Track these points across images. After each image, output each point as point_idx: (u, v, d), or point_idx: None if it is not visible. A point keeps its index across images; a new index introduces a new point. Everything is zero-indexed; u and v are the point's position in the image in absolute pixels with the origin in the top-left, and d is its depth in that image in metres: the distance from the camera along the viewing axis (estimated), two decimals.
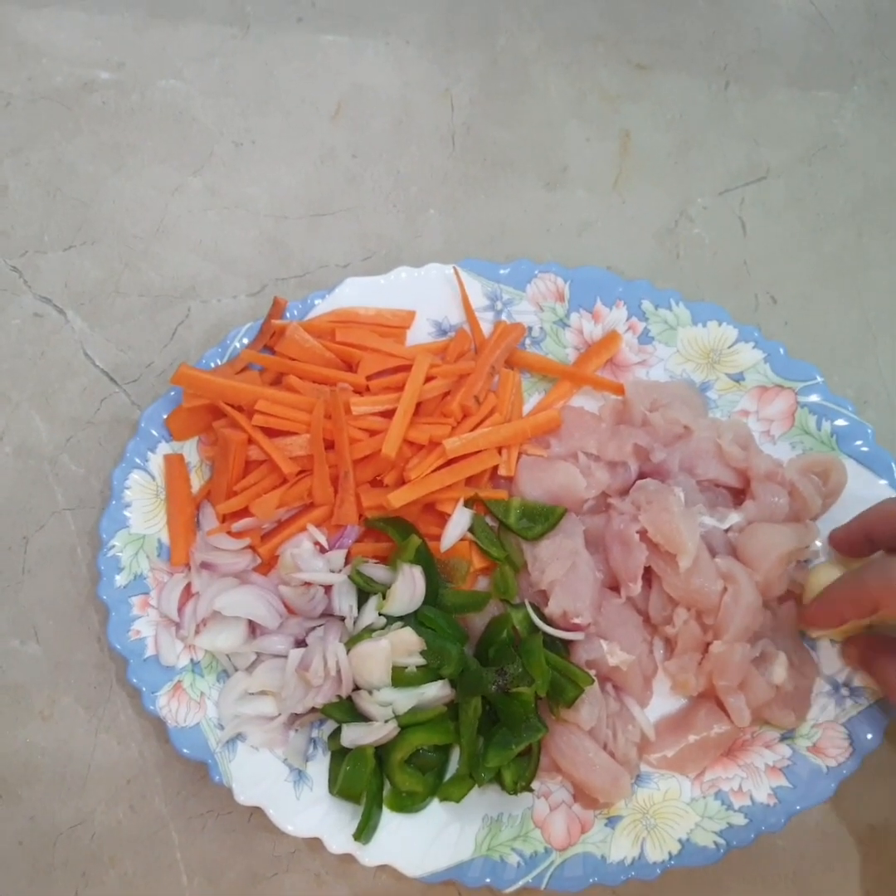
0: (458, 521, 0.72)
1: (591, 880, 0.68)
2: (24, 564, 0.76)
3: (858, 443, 0.74)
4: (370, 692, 0.68)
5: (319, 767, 0.71)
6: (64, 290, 0.81)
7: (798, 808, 0.69)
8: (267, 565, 0.73)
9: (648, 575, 0.72)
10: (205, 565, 0.72)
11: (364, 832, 0.67)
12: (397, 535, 0.71)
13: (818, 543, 0.74)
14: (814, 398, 0.75)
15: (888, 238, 0.84)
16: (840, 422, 0.75)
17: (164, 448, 0.74)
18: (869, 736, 0.70)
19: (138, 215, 0.82)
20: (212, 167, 0.84)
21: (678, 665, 0.71)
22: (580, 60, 0.87)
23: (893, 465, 0.74)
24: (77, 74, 0.85)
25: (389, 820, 0.69)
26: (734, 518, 0.72)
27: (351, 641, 0.69)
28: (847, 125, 0.86)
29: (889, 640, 0.68)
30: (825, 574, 0.70)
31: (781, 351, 0.76)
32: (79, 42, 0.86)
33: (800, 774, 0.70)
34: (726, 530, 0.72)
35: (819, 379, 0.75)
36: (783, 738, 0.72)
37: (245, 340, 0.75)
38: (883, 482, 0.74)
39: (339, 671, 0.68)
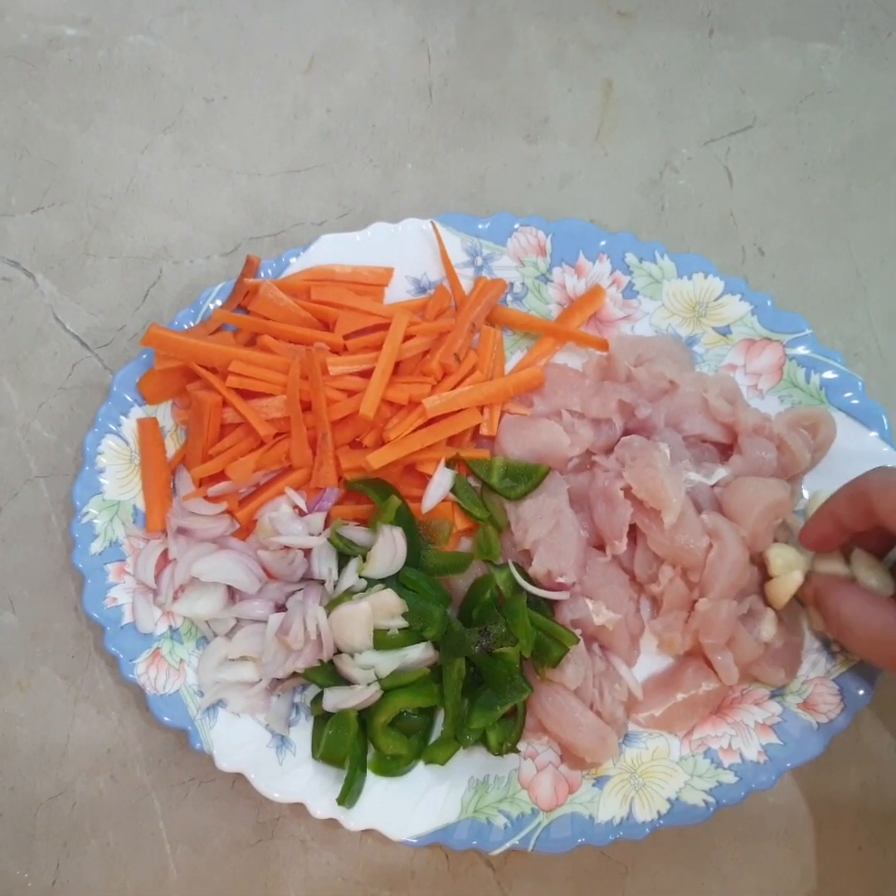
0: (440, 482, 0.71)
1: (578, 841, 0.67)
2: None
3: (848, 395, 0.73)
4: (352, 655, 0.67)
5: (302, 733, 0.70)
6: (32, 253, 0.79)
7: (789, 765, 0.68)
8: (245, 530, 0.72)
9: (634, 533, 0.70)
10: (181, 531, 0.71)
11: (348, 796, 0.66)
12: (377, 496, 0.70)
13: (805, 495, 0.73)
14: (802, 350, 0.74)
15: (878, 187, 0.82)
16: (829, 374, 0.73)
17: (138, 412, 0.73)
18: (860, 692, 0.69)
19: (107, 175, 0.80)
20: (182, 124, 0.81)
21: (664, 623, 0.70)
22: (560, 9, 0.84)
23: (884, 418, 0.72)
24: (42, 31, 0.83)
25: (374, 784, 0.69)
26: (721, 473, 0.71)
27: (331, 605, 0.67)
28: (835, 72, 0.84)
29: (843, 579, 0.67)
30: (784, 552, 0.69)
31: (769, 303, 0.74)
32: None
33: (790, 731, 0.69)
34: (713, 486, 0.71)
35: (807, 331, 0.74)
36: (773, 695, 0.71)
37: (218, 301, 0.74)
38: (873, 434, 0.72)
39: (319, 635, 0.67)
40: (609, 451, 0.73)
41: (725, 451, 0.74)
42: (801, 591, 0.69)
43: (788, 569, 0.68)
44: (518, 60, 0.83)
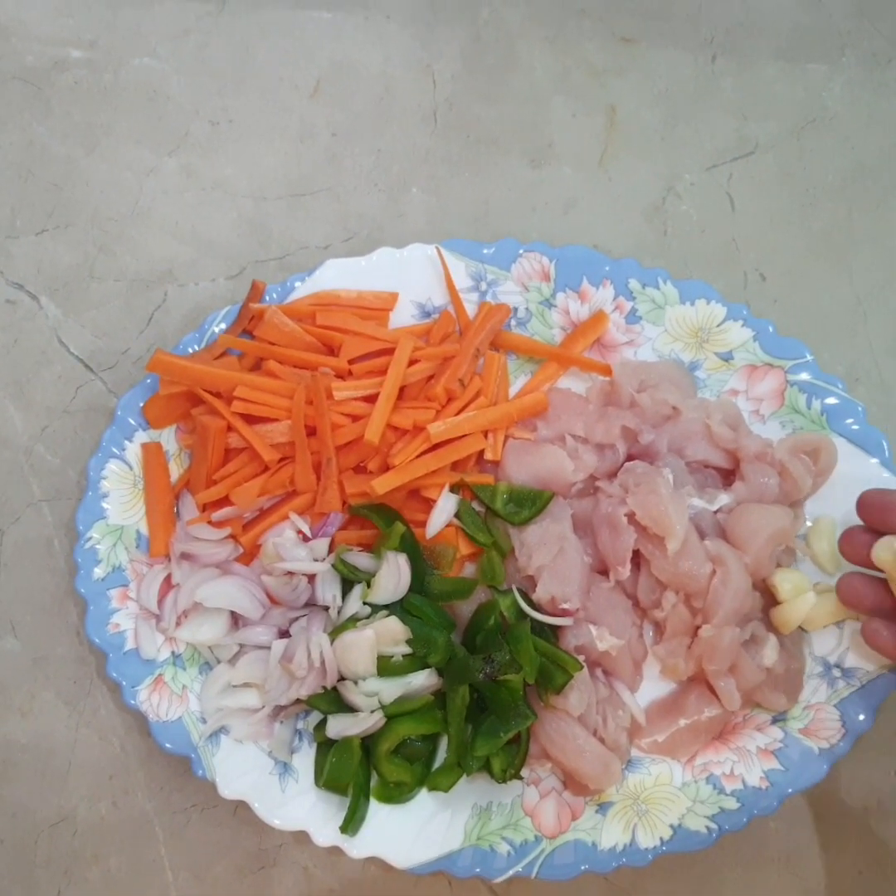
0: (444, 507, 0.71)
1: (582, 868, 0.67)
2: (1, 558, 0.75)
3: (849, 421, 0.73)
4: (355, 682, 0.67)
5: (305, 760, 0.70)
6: (37, 275, 0.79)
7: (790, 790, 0.69)
8: (249, 555, 0.72)
9: (637, 558, 0.71)
10: (185, 556, 0.71)
11: (351, 824, 0.66)
12: (382, 522, 0.70)
13: (808, 523, 0.73)
14: (804, 376, 0.74)
15: (878, 213, 0.82)
16: (830, 400, 0.74)
17: (142, 437, 0.73)
18: (861, 717, 0.69)
19: (113, 198, 0.80)
20: (188, 147, 0.82)
21: (667, 649, 0.70)
22: (565, 34, 0.85)
23: (884, 444, 0.73)
24: (48, 53, 0.83)
25: (377, 811, 0.68)
26: (724, 499, 0.71)
27: (335, 631, 0.67)
28: (836, 98, 0.84)
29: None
30: (791, 576, 0.70)
31: (771, 329, 0.74)
32: (49, 20, 0.84)
33: (792, 757, 0.69)
34: (716, 512, 0.71)
35: (809, 357, 0.74)
36: (775, 721, 0.71)
37: (223, 325, 0.74)
38: (874, 460, 0.73)
39: (323, 662, 0.67)
40: (612, 476, 0.73)
41: (728, 476, 0.74)
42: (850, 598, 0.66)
43: (797, 593, 0.68)
44: (522, 85, 0.84)
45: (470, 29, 0.85)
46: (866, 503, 0.65)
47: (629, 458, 0.73)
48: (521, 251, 0.76)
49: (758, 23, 0.86)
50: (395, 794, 0.68)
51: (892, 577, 0.63)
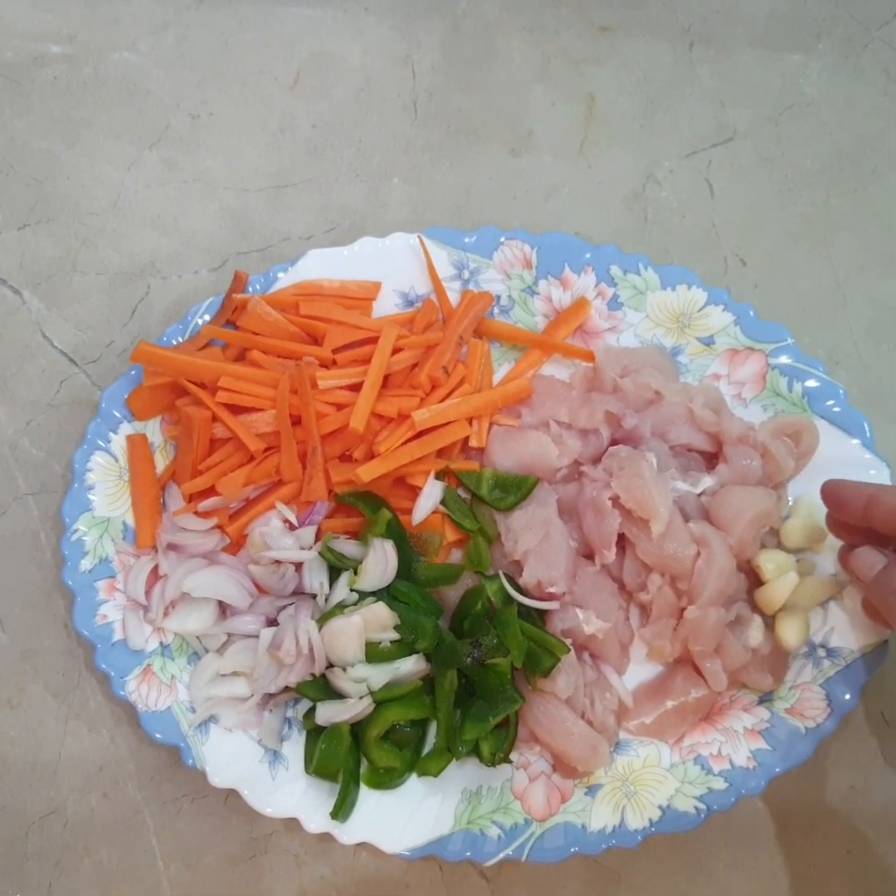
0: (430, 494, 0.71)
1: (572, 850, 0.68)
2: None
3: (830, 403, 0.74)
4: (344, 669, 0.67)
5: (294, 747, 0.70)
6: (19, 270, 0.79)
7: (778, 770, 0.69)
8: (236, 545, 0.72)
9: (622, 542, 0.71)
10: (172, 547, 0.71)
11: (341, 810, 0.67)
12: (368, 509, 0.70)
13: (789, 501, 0.73)
14: (784, 360, 0.75)
15: (856, 197, 0.83)
16: (811, 383, 0.74)
17: (127, 428, 0.73)
18: (847, 696, 0.70)
19: (94, 191, 0.80)
20: (168, 140, 0.82)
21: (653, 631, 0.71)
22: (543, 24, 0.85)
23: (865, 425, 0.73)
24: (27, 48, 0.83)
25: (367, 797, 0.69)
26: (707, 482, 0.72)
27: (323, 618, 0.68)
28: (813, 84, 0.85)
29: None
30: (775, 557, 0.70)
31: (751, 313, 0.75)
32: (28, 15, 0.84)
33: (779, 737, 0.70)
34: (699, 494, 0.72)
35: (789, 340, 0.75)
36: (761, 701, 0.71)
37: (207, 316, 0.74)
38: (855, 442, 0.73)
39: (311, 649, 0.67)
40: (597, 461, 0.73)
41: (711, 459, 0.75)
42: (857, 568, 0.64)
43: (781, 572, 0.69)
44: (502, 75, 0.84)
45: (448, 20, 0.85)
46: (826, 495, 0.66)
47: (613, 442, 0.74)
48: (502, 239, 0.76)
49: (734, 10, 0.86)
50: (385, 779, 0.69)
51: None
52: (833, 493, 0.65)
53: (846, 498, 0.64)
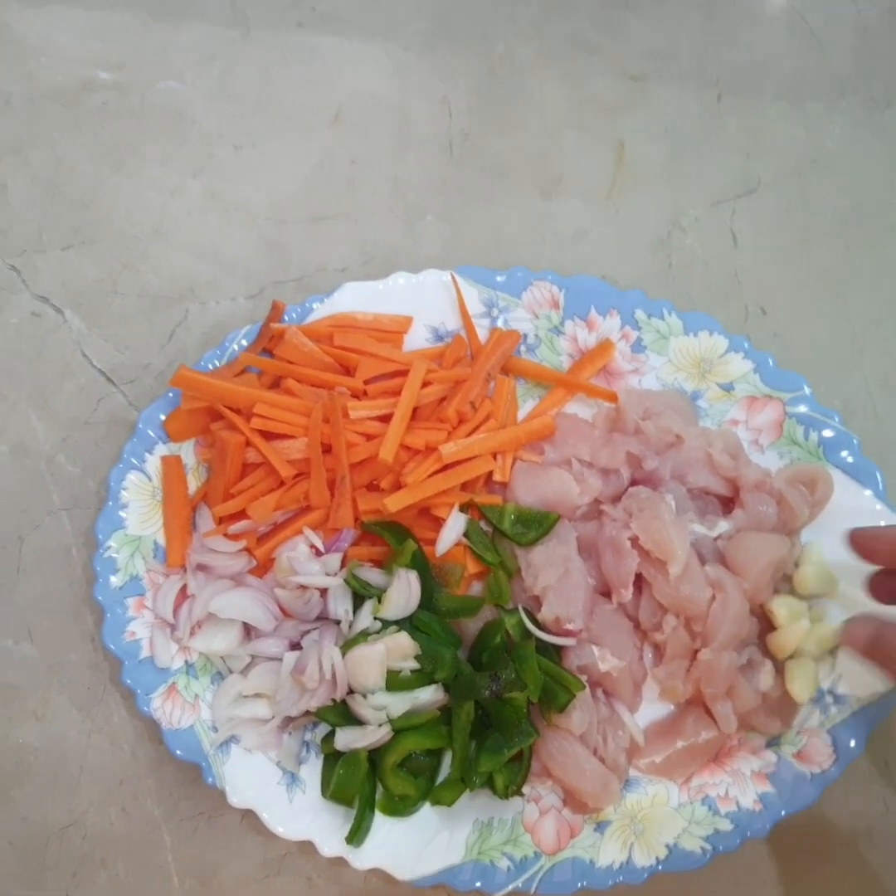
0: (454, 526, 0.73)
1: (579, 884, 0.69)
2: (20, 564, 0.76)
3: (844, 453, 0.76)
4: (364, 696, 0.69)
5: (312, 770, 0.71)
6: (62, 289, 0.81)
7: (783, 813, 0.70)
8: (263, 568, 0.74)
9: (639, 581, 0.73)
10: (201, 567, 0.72)
11: (357, 835, 0.68)
12: (393, 539, 0.72)
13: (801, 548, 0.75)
14: (802, 409, 0.76)
15: (875, 252, 0.85)
16: (827, 432, 0.76)
17: (162, 449, 0.74)
18: (852, 743, 0.71)
19: (137, 216, 0.83)
20: (211, 169, 0.84)
21: (667, 672, 0.72)
22: (576, 71, 0.88)
23: (878, 476, 0.75)
24: (77, 74, 0.85)
25: (381, 823, 0.70)
26: (723, 526, 0.74)
27: (346, 645, 0.69)
28: (836, 140, 0.88)
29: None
30: (788, 603, 0.72)
31: (770, 361, 0.77)
32: (79, 42, 0.86)
33: (785, 780, 0.71)
34: (716, 538, 0.74)
35: (807, 390, 0.77)
36: (769, 745, 0.73)
37: (244, 342, 0.76)
38: (868, 492, 0.75)
39: (334, 674, 0.68)
40: (616, 500, 0.75)
41: (727, 504, 0.76)
42: (850, 638, 0.68)
43: (794, 619, 0.71)
44: (535, 119, 0.87)
45: (485, 63, 0.87)
46: (856, 543, 0.67)
47: (633, 483, 0.76)
48: (531, 280, 0.78)
49: (762, 65, 0.89)
50: (400, 807, 0.70)
51: None
52: (862, 540, 0.66)
53: (877, 545, 0.65)
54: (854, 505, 0.75)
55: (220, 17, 0.87)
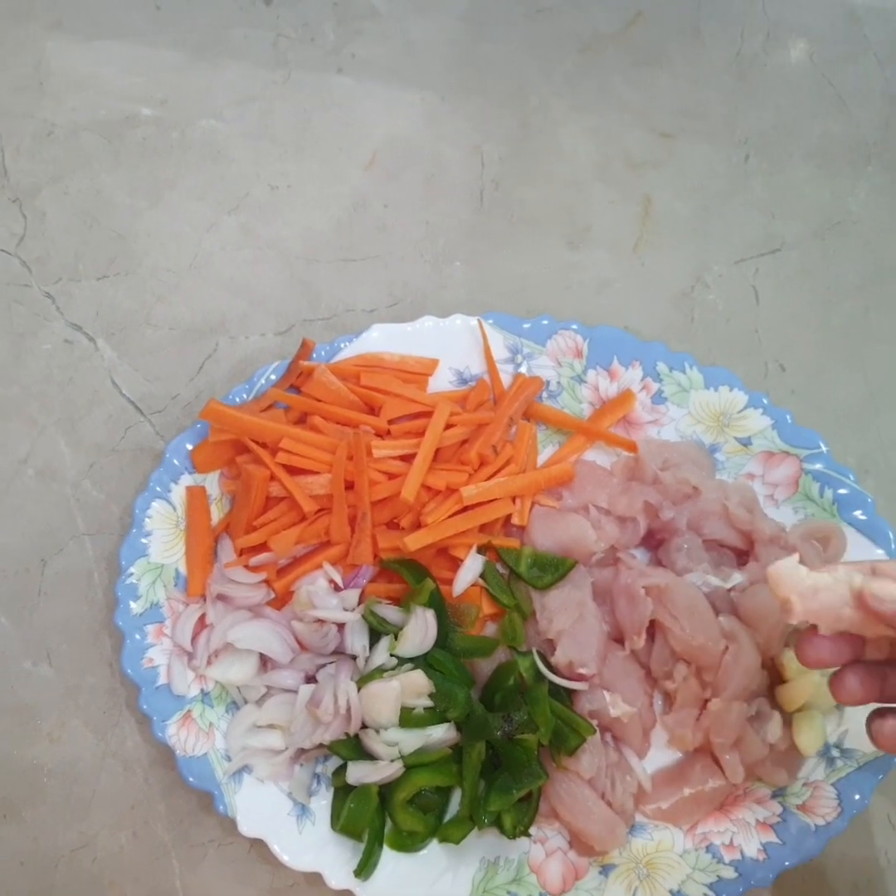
0: (471, 567, 0.74)
1: None
2: (41, 587, 0.77)
3: (858, 512, 0.77)
4: (378, 731, 0.70)
5: (322, 803, 0.72)
6: (95, 318, 0.83)
7: (787, 864, 0.71)
8: (281, 600, 0.75)
9: (652, 629, 0.74)
10: (220, 597, 0.74)
11: (365, 869, 0.69)
12: (411, 577, 0.73)
13: None
14: (818, 466, 0.78)
15: (893, 313, 0.87)
16: (842, 490, 0.77)
17: (187, 479, 0.76)
18: (857, 797, 0.72)
19: (172, 250, 0.85)
20: (247, 207, 0.86)
21: (676, 720, 0.73)
22: (607, 126, 0.90)
23: (890, 535, 0.76)
24: (120, 108, 0.88)
25: (388, 858, 0.71)
26: (737, 578, 0.75)
27: (362, 680, 0.70)
28: (860, 203, 0.90)
29: None
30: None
31: (788, 418, 0.78)
32: (124, 77, 0.89)
33: (789, 831, 0.72)
34: (729, 590, 0.75)
35: (823, 447, 0.78)
36: (774, 796, 0.73)
37: (272, 378, 0.77)
38: (880, 551, 0.76)
39: (348, 709, 0.69)
40: (632, 547, 0.76)
41: (742, 556, 0.77)
42: (883, 739, 0.57)
43: (803, 673, 0.72)
44: (565, 171, 0.89)
45: (519, 115, 0.90)
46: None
47: (649, 532, 0.77)
48: (557, 328, 0.80)
49: (790, 127, 0.91)
50: (408, 842, 0.71)
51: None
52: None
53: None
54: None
55: (261, 59, 0.90)
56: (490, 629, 0.76)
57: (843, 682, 0.57)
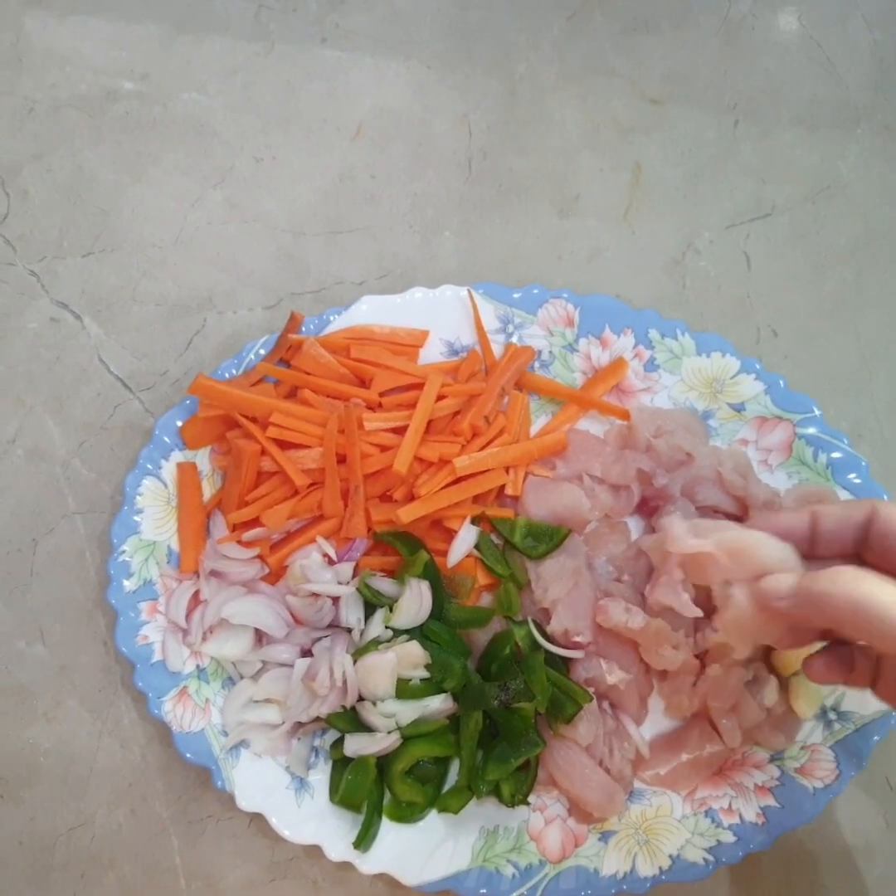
0: (465, 538, 0.74)
1: (583, 893, 0.70)
2: (33, 567, 0.77)
3: (852, 475, 0.77)
4: (374, 703, 0.70)
5: (320, 776, 0.72)
6: (81, 296, 0.82)
7: (785, 827, 0.71)
8: (275, 575, 0.74)
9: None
10: (214, 573, 0.73)
11: (364, 841, 0.69)
12: (405, 549, 0.73)
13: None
14: (811, 430, 0.77)
15: (886, 277, 0.87)
16: (836, 454, 0.77)
17: (177, 456, 0.75)
18: (855, 759, 0.72)
19: (157, 225, 0.84)
20: (232, 181, 0.85)
21: (672, 687, 0.73)
22: (596, 93, 0.89)
23: (885, 499, 0.76)
24: (101, 83, 0.87)
25: (388, 829, 0.71)
26: None
27: (357, 653, 0.70)
28: (850, 167, 0.89)
29: None
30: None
31: (781, 383, 0.78)
32: (104, 52, 0.87)
33: (788, 795, 0.72)
34: None
35: (816, 412, 0.78)
36: (773, 759, 0.74)
37: (261, 352, 0.77)
38: None
39: (344, 682, 0.69)
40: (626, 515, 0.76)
41: (736, 522, 0.77)
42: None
43: None
44: (554, 139, 0.88)
45: (506, 83, 0.89)
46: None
47: (643, 500, 0.77)
48: (547, 297, 0.79)
49: (779, 92, 0.90)
50: (407, 813, 0.71)
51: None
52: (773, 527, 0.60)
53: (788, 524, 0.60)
54: None
55: (244, 31, 0.88)
56: (485, 600, 0.76)
57: (811, 664, 0.61)
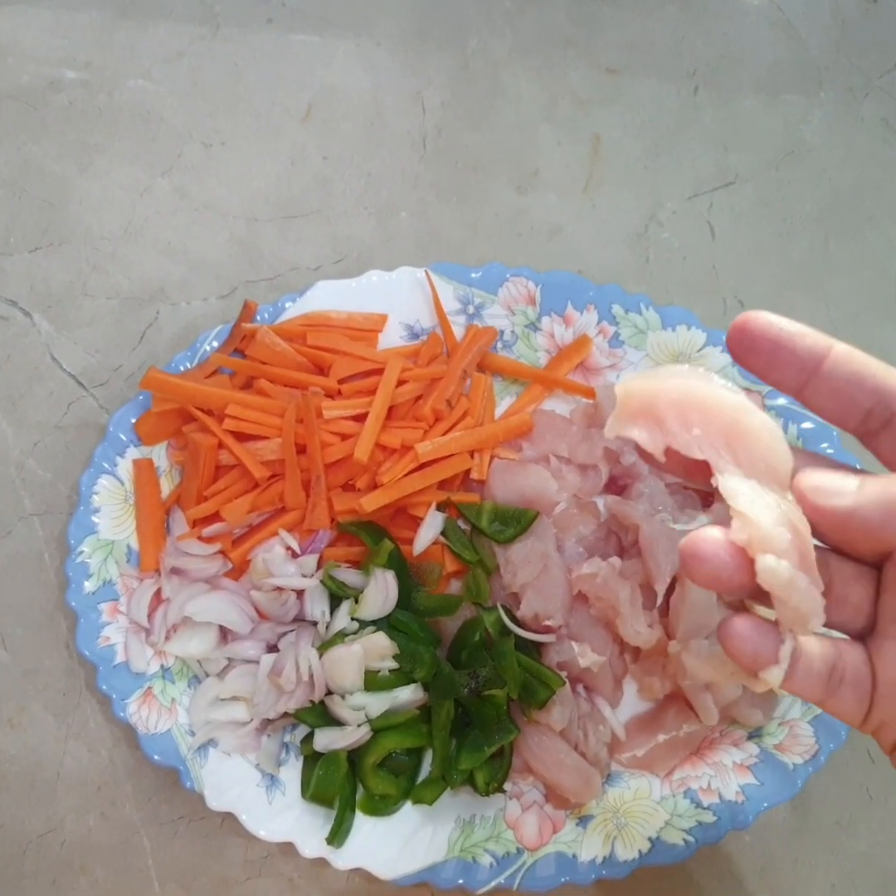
0: (431, 525, 0.72)
1: (562, 880, 0.69)
2: None
3: (824, 445, 0.75)
4: (343, 696, 0.68)
5: (292, 772, 0.71)
6: (30, 292, 0.80)
7: (766, 805, 0.70)
8: (238, 570, 0.73)
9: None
10: (175, 571, 0.72)
11: (337, 836, 0.67)
12: (370, 539, 0.71)
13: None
14: (780, 401, 0.76)
15: (854, 243, 0.85)
16: (807, 424, 0.76)
17: (133, 453, 0.74)
18: (834, 733, 0.71)
19: (106, 217, 0.82)
20: (181, 168, 0.83)
21: (643, 668, 0.72)
22: (551, 64, 0.87)
23: (858, 466, 0.75)
24: (43, 73, 0.84)
25: (362, 823, 0.70)
26: (702, 520, 0.73)
27: (323, 646, 0.69)
28: (814, 131, 0.87)
29: None
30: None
31: None
32: (45, 41, 0.85)
33: (767, 772, 0.71)
34: None
35: None
36: (751, 737, 0.73)
37: (215, 343, 0.75)
38: None
39: (311, 676, 0.68)
40: (594, 495, 0.75)
41: (707, 498, 0.76)
42: None
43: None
44: (509, 114, 0.86)
45: (459, 58, 0.87)
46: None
47: (611, 479, 0.75)
48: (507, 276, 0.77)
49: (738, 56, 0.88)
50: (381, 806, 0.69)
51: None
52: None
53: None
54: None
55: (188, 15, 0.86)
56: (454, 587, 0.75)
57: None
